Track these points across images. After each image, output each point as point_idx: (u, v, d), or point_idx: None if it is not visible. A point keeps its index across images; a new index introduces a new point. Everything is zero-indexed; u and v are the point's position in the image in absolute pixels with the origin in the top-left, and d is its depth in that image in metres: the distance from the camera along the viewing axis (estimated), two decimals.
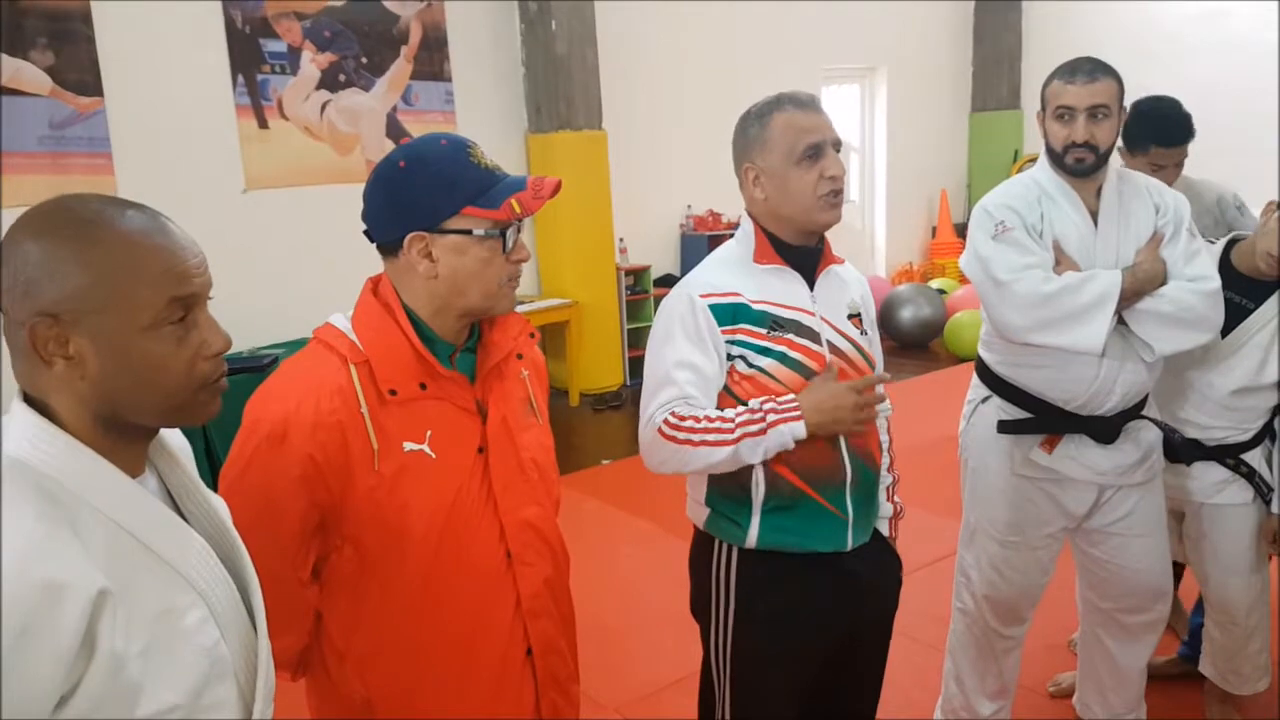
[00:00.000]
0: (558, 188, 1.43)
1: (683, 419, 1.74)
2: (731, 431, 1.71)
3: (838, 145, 1.82)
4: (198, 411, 1.03)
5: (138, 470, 1.03)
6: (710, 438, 1.72)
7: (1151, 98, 2.88)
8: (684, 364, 1.78)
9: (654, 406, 1.78)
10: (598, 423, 6.39)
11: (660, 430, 1.75)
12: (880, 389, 1.83)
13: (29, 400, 0.98)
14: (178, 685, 0.96)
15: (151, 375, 0.98)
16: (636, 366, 7.06)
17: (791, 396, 1.73)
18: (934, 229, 9.64)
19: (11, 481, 0.91)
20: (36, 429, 0.96)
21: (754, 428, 1.70)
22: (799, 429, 1.69)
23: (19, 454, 0.94)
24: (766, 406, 1.72)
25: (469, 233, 1.38)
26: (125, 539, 0.96)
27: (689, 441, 1.72)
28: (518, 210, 1.38)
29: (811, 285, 1.87)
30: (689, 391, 1.76)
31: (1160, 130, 2.80)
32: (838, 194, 1.81)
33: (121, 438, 1.00)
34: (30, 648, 0.84)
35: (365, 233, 1.46)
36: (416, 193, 1.38)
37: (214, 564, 1.04)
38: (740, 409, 1.73)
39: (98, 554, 0.92)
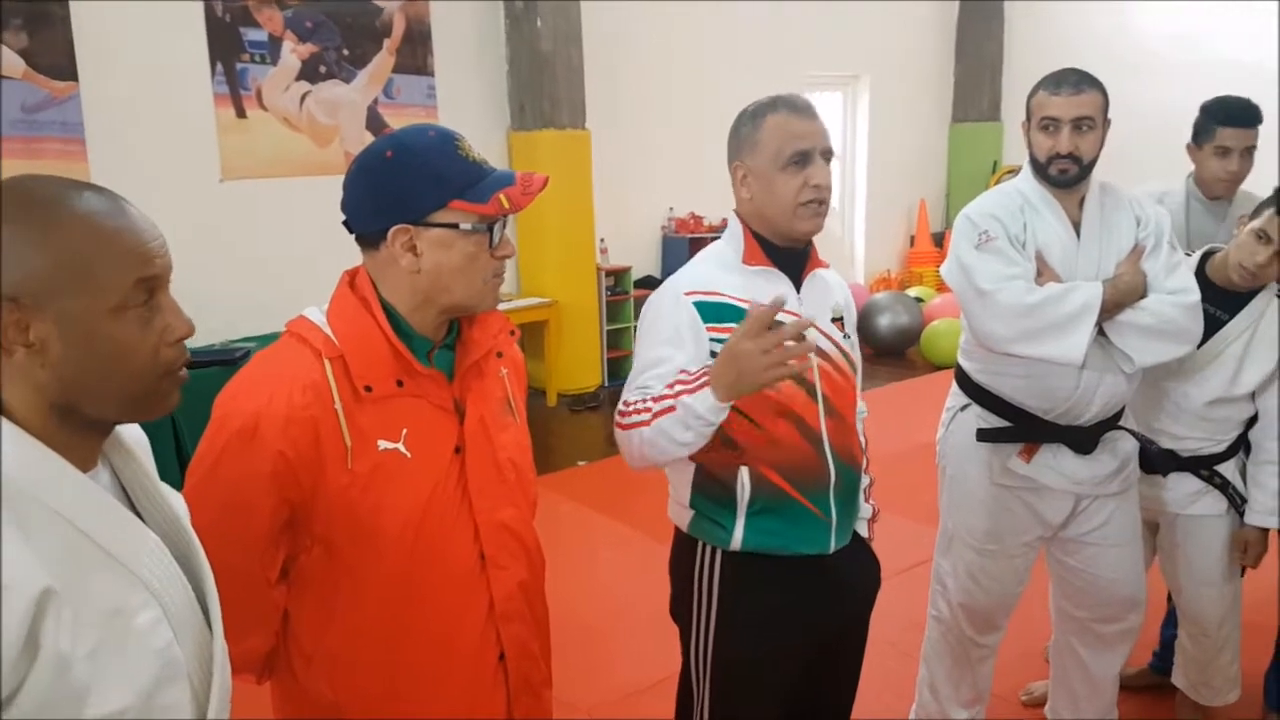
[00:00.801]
0: (545, 183, 1.40)
1: (627, 404, 1.74)
2: (652, 411, 1.67)
3: (828, 155, 1.80)
4: (158, 402, 1.00)
5: (90, 465, 1.00)
6: (635, 419, 1.70)
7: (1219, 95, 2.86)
8: (657, 362, 1.77)
9: (624, 398, 1.80)
10: (575, 423, 6.36)
11: (616, 427, 1.77)
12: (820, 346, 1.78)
13: None
14: (128, 687, 0.92)
15: (115, 362, 0.95)
16: (615, 367, 7.05)
17: (703, 367, 1.65)
18: (912, 238, 9.69)
19: None
20: None
21: (669, 402, 1.65)
22: (705, 396, 1.59)
23: None
24: (678, 384, 1.66)
25: (455, 226, 1.35)
26: (75, 536, 0.92)
27: (623, 425, 1.73)
28: (506, 205, 1.35)
29: (798, 287, 1.86)
30: (657, 390, 1.75)
31: (1226, 110, 2.75)
32: (821, 204, 1.79)
33: (77, 431, 0.97)
34: None
35: (345, 223, 1.42)
36: (402, 184, 1.34)
37: (168, 563, 1.01)
38: (660, 390, 1.69)
39: (45, 552, 0.88)
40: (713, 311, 1.79)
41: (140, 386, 0.98)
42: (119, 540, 0.96)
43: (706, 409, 1.61)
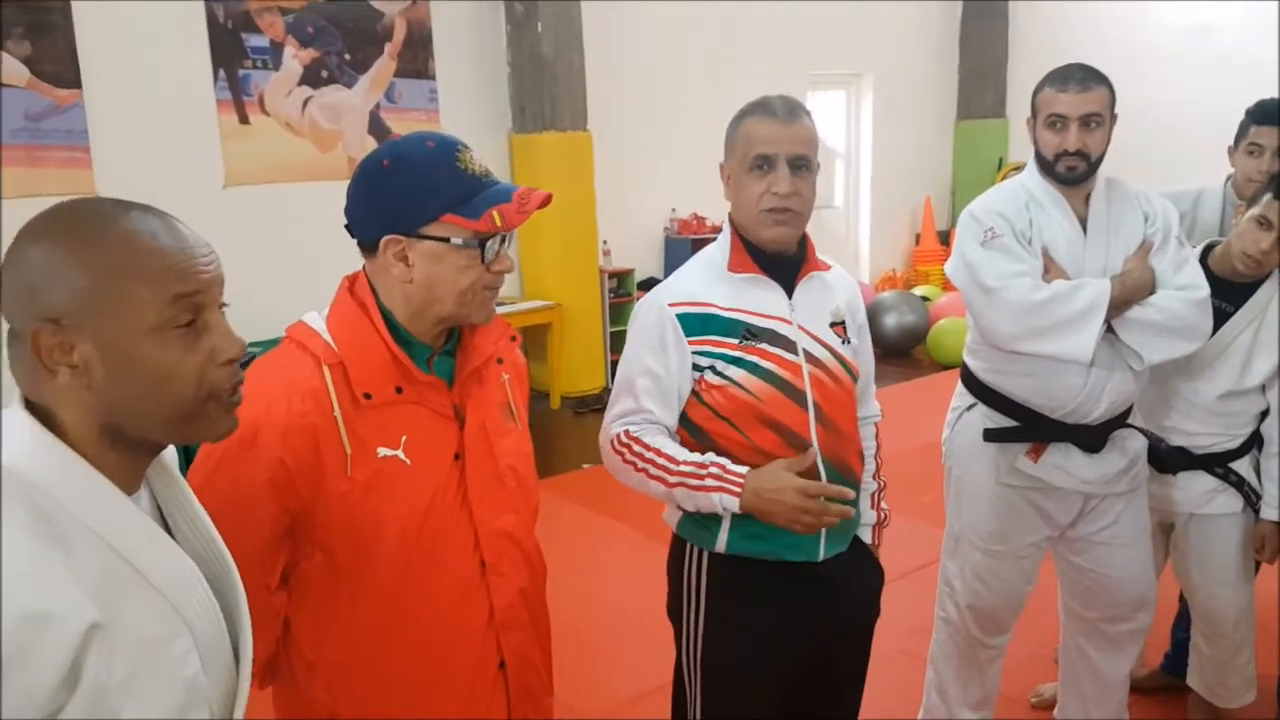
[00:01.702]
0: (545, 201, 1.37)
1: (635, 441, 1.77)
2: (672, 474, 1.72)
3: (799, 162, 1.74)
4: (206, 425, 0.99)
5: (134, 488, 0.98)
6: (652, 470, 1.74)
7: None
8: (644, 373, 1.79)
9: (613, 414, 1.84)
10: (579, 426, 6.35)
11: (613, 443, 1.79)
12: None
13: (30, 409, 0.93)
14: (153, 715, 0.92)
15: (158, 383, 0.94)
16: (618, 370, 7.02)
17: (744, 470, 1.69)
18: (918, 236, 9.66)
19: (5, 496, 0.87)
20: (35, 439, 0.91)
21: (694, 482, 1.70)
22: (732, 503, 1.67)
23: (15, 465, 0.89)
24: (713, 469, 1.70)
25: (446, 241, 1.34)
26: (116, 561, 0.91)
27: (633, 464, 1.76)
28: (498, 223, 1.33)
29: (791, 292, 1.83)
30: (644, 404, 1.79)
31: (1261, 108, 2.70)
32: (783, 212, 1.75)
33: (125, 453, 0.96)
34: (12, 679, 0.81)
35: (347, 227, 1.41)
36: (396, 194, 1.33)
37: (203, 591, 1.00)
38: (691, 457, 1.72)
39: (89, 580, 0.88)
40: (696, 323, 1.78)
41: (185, 409, 0.96)
42: (158, 567, 0.95)
43: (725, 507, 1.69)
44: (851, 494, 1.69)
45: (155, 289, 0.93)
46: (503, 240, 1.38)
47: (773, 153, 1.73)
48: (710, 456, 1.72)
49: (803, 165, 1.75)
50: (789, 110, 1.77)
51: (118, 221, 0.94)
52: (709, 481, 1.69)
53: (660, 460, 1.73)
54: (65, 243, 0.92)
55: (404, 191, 1.33)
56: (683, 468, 1.71)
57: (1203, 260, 2.45)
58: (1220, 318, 2.40)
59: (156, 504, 1.04)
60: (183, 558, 0.99)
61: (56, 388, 0.92)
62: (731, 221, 1.86)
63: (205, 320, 0.97)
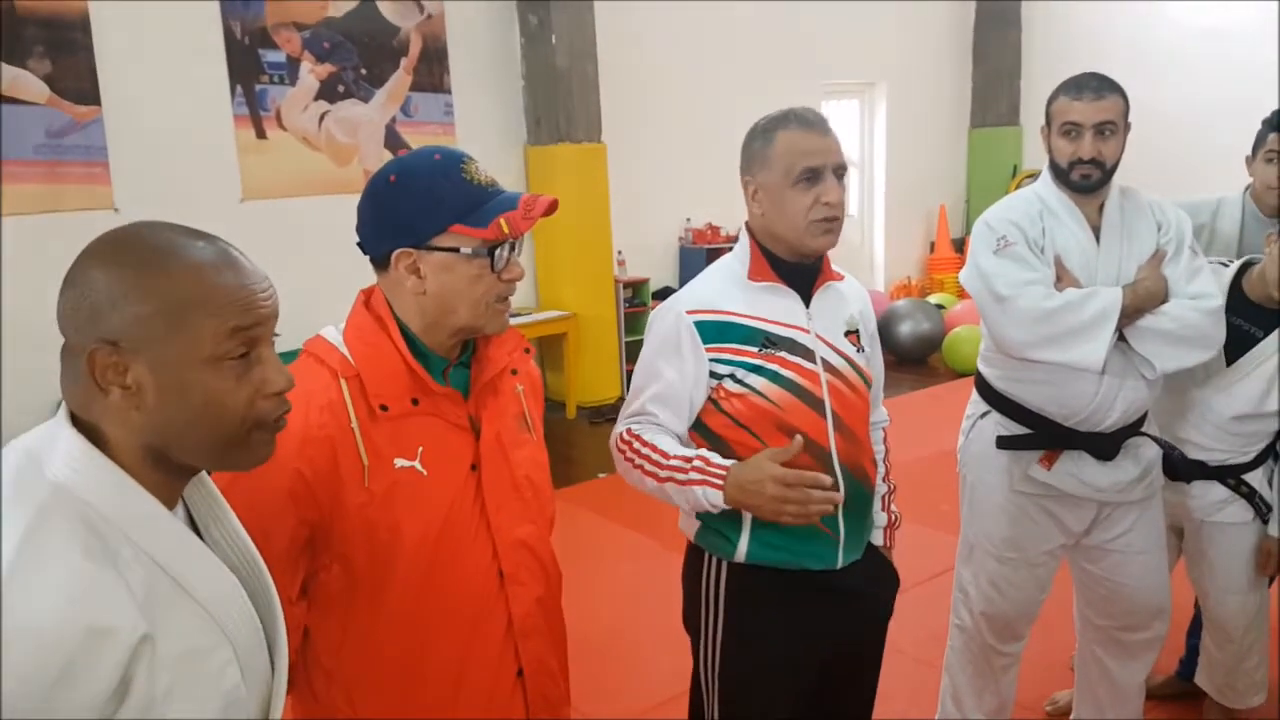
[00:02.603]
0: (551, 207, 1.39)
1: (635, 438, 1.79)
2: (662, 469, 1.73)
3: (840, 170, 1.78)
4: (250, 454, 1.01)
5: (173, 503, 1.01)
6: (647, 466, 1.75)
7: None
8: (657, 378, 1.81)
9: (624, 416, 1.87)
10: (595, 435, 6.36)
11: (617, 442, 1.83)
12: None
13: (75, 425, 0.96)
14: None
15: (208, 410, 0.96)
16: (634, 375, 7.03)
17: (728, 463, 1.69)
18: (932, 244, 9.64)
19: (57, 511, 0.89)
20: (82, 454, 0.93)
21: (680, 476, 1.71)
22: (715, 496, 1.67)
23: (63, 479, 0.92)
24: (697, 463, 1.70)
25: (456, 251, 1.35)
26: (159, 575, 0.94)
27: (632, 461, 1.78)
28: (506, 230, 1.35)
29: (808, 301, 1.85)
30: (650, 408, 1.81)
31: (1276, 116, 2.68)
32: (833, 220, 1.77)
33: (167, 473, 0.98)
34: (68, 691, 0.84)
35: (359, 244, 1.43)
36: (404, 208, 1.36)
37: (243, 603, 1.02)
38: (679, 451, 1.73)
39: (137, 593, 0.90)
40: (714, 331, 1.79)
41: (231, 437, 0.98)
42: (200, 580, 0.97)
43: (710, 502, 1.68)
44: (829, 480, 1.65)
45: (216, 321, 0.95)
46: (512, 248, 1.39)
47: (820, 164, 1.75)
48: (697, 450, 1.72)
49: (842, 174, 1.79)
50: (822, 121, 1.81)
51: (185, 252, 0.96)
52: (693, 475, 1.69)
53: (654, 456, 1.74)
54: (133, 270, 0.94)
55: (412, 205, 1.35)
56: (671, 462, 1.72)
57: (1237, 279, 2.44)
58: (1248, 340, 2.39)
59: (190, 515, 1.06)
60: (223, 571, 1.01)
61: (106, 406, 0.95)
62: (750, 231, 1.87)
63: (258, 352, 1.00)
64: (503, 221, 1.34)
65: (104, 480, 0.93)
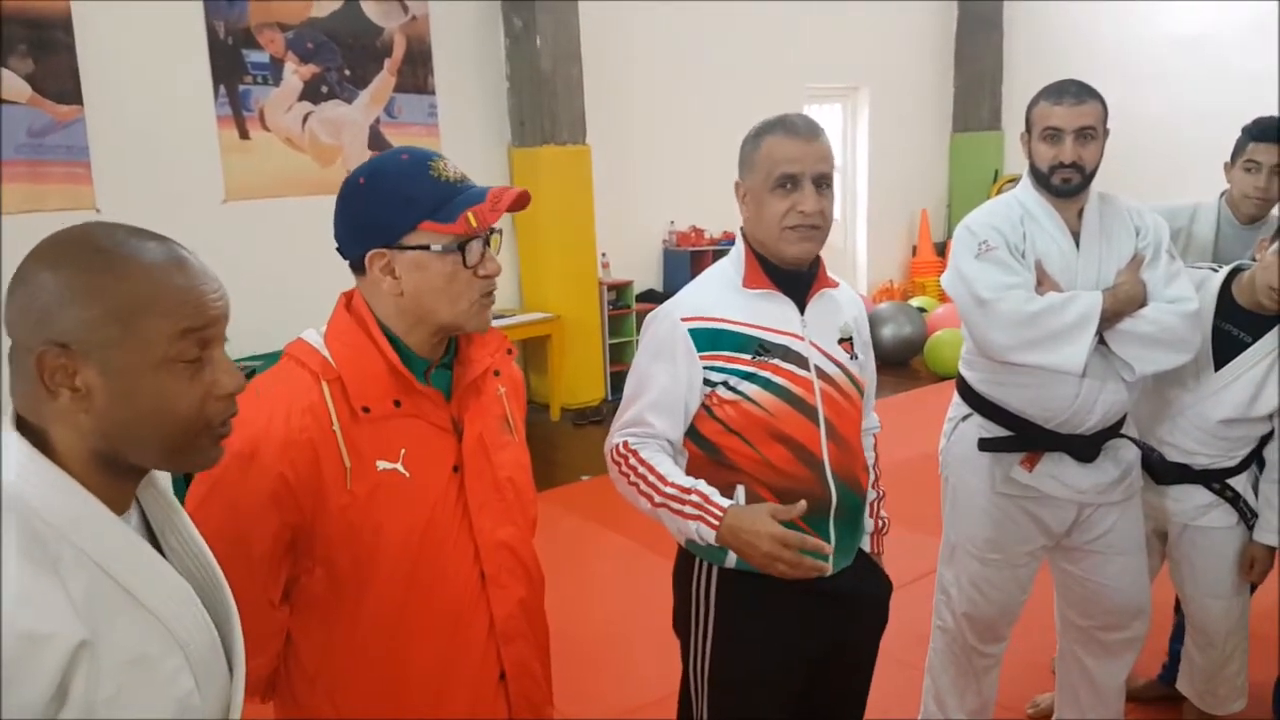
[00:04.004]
0: (520, 198, 1.39)
1: (633, 453, 1.78)
2: (658, 494, 1.73)
3: (821, 180, 1.77)
4: (197, 457, 1.01)
5: (124, 508, 1.00)
6: (642, 486, 1.75)
7: None
8: (652, 385, 1.81)
9: (618, 423, 1.86)
10: (579, 438, 6.36)
11: (613, 452, 1.82)
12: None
13: (22, 428, 0.95)
14: None
15: (159, 413, 0.96)
16: (618, 381, 7.04)
17: (726, 503, 1.68)
18: (914, 248, 9.69)
19: (5, 515, 0.88)
20: (26, 459, 0.92)
21: (675, 505, 1.71)
22: (708, 534, 1.67)
23: (5, 483, 0.91)
24: (695, 497, 1.70)
25: (427, 248, 1.35)
26: (104, 581, 0.93)
27: (627, 477, 1.78)
28: (474, 224, 1.34)
29: (803, 309, 1.85)
30: (647, 417, 1.80)
31: (1259, 125, 2.70)
32: (811, 229, 1.77)
33: (115, 476, 0.97)
34: (6, 695, 0.83)
35: (337, 249, 1.44)
36: (374, 209, 1.36)
37: (195, 609, 1.01)
38: (679, 481, 1.73)
39: (78, 598, 0.89)
40: (708, 339, 1.80)
41: (181, 439, 0.98)
42: (148, 586, 0.96)
43: (702, 538, 1.69)
44: (829, 549, 1.67)
45: (168, 323, 0.94)
46: (486, 242, 1.39)
47: (798, 171, 1.75)
48: (696, 483, 1.72)
49: (825, 183, 1.78)
50: (810, 129, 1.80)
51: (136, 254, 0.95)
52: (689, 509, 1.69)
53: (651, 478, 1.74)
54: (83, 272, 0.93)
55: (382, 205, 1.35)
56: (668, 490, 1.72)
57: (1226, 285, 2.45)
58: (1237, 346, 2.41)
59: (146, 521, 1.05)
60: (175, 577, 1.00)
61: (55, 408, 0.94)
62: (745, 237, 1.88)
63: (209, 354, 0.99)
64: (470, 215, 1.34)
65: (47, 484, 0.92)
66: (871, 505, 2.01)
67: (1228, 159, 2.77)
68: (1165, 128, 7.83)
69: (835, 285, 1.92)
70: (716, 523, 1.66)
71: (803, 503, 1.66)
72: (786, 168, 1.76)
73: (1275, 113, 2.79)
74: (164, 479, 1.09)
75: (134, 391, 0.94)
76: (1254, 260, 2.42)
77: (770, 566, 1.63)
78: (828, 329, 1.87)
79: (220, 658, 1.04)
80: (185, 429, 0.97)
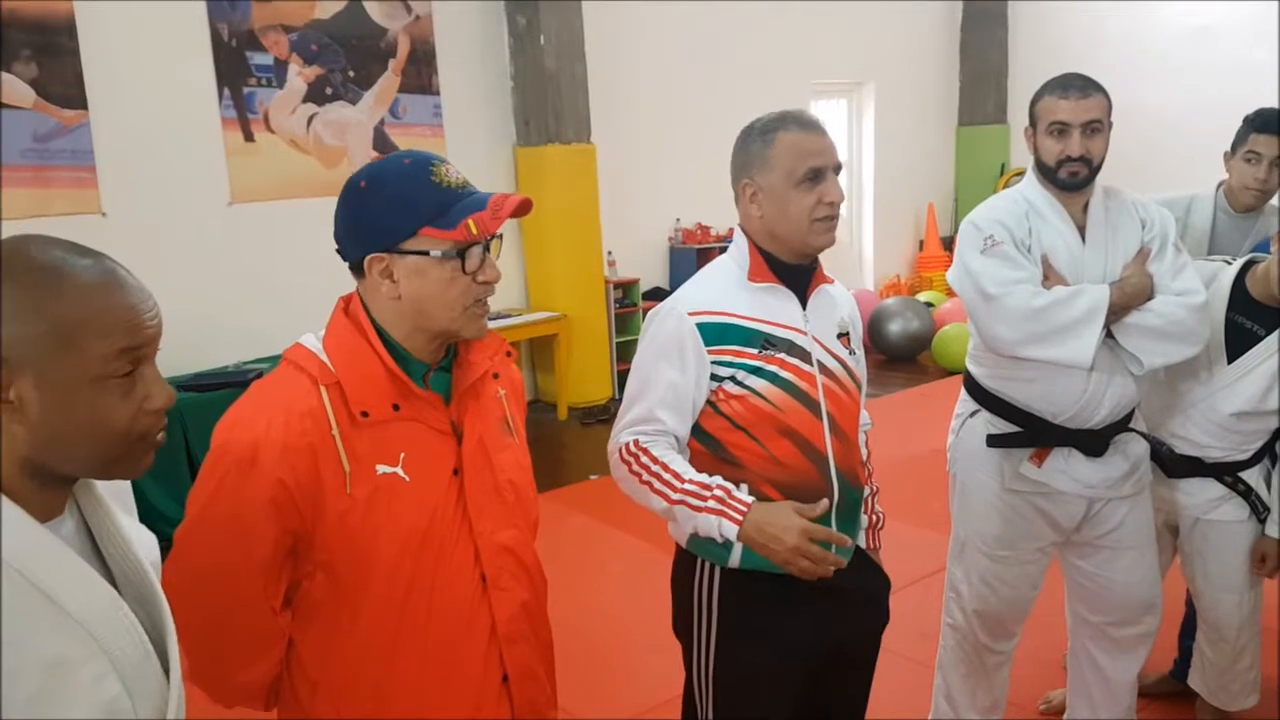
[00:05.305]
0: (522, 205, 1.38)
1: (644, 451, 1.77)
2: (675, 491, 1.72)
3: (838, 169, 1.81)
4: (130, 466, 1.02)
5: (56, 512, 1.01)
6: (656, 484, 1.74)
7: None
8: (661, 381, 1.80)
9: (624, 422, 1.84)
10: (586, 437, 6.36)
11: (622, 451, 1.80)
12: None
13: None
14: None
15: (93, 427, 0.97)
16: (625, 380, 6.98)
17: (749, 500, 1.69)
18: (921, 242, 9.67)
19: None
20: None
21: (695, 502, 1.70)
22: (730, 530, 1.67)
23: None
24: (717, 492, 1.70)
25: (426, 254, 1.35)
26: (24, 586, 0.93)
27: (639, 476, 1.76)
28: (474, 231, 1.34)
29: (804, 304, 1.85)
30: (657, 413, 1.79)
31: (1261, 116, 2.69)
32: (833, 219, 1.80)
33: (46, 483, 0.99)
34: None
35: (338, 252, 1.43)
36: (374, 213, 1.36)
37: (122, 615, 1.01)
38: (697, 477, 1.72)
39: None
40: (716, 333, 1.79)
41: (113, 451, 0.99)
42: (71, 594, 0.97)
43: (723, 534, 1.68)
44: (850, 542, 1.68)
45: (105, 342, 0.96)
46: (486, 249, 1.39)
47: (823, 164, 1.78)
48: (716, 479, 1.72)
49: (839, 170, 1.83)
50: (819, 122, 1.84)
51: (75, 272, 0.96)
52: (710, 504, 1.69)
53: (666, 475, 1.73)
54: (22, 289, 0.93)
55: (382, 209, 1.35)
56: (687, 486, 1.71)
57: (1240, 278, 2.44)
58: (1250, 339, 2.40)
59: (88, 527, 1.06)
60: (99, 584, 1.00)
61: None
62: (746, 232, 1.87)
63: (141, 370, 1.00)
64: (470, 223, 1.34)
65: None
66: (866, 501, 2.01)
67: (1227, 149, 2.76)
68: (1170, 120, 7.79)
69: (831, 281, 1.94)
70: (740, 518, 1.66)
71: (824, 501, 1.68)
72: (813, 161, 1.77)
73: (1278, 104, 2.77)
74: (105, 486, 1.09)
75: (69, 405, 0.95)
76: (1269, 253, 2.41)
77: (792, 563, 1.63)
78: (827, 324, 1.88)
79: (154, 662, 1.04)
80: (118, 442, 0.99)
